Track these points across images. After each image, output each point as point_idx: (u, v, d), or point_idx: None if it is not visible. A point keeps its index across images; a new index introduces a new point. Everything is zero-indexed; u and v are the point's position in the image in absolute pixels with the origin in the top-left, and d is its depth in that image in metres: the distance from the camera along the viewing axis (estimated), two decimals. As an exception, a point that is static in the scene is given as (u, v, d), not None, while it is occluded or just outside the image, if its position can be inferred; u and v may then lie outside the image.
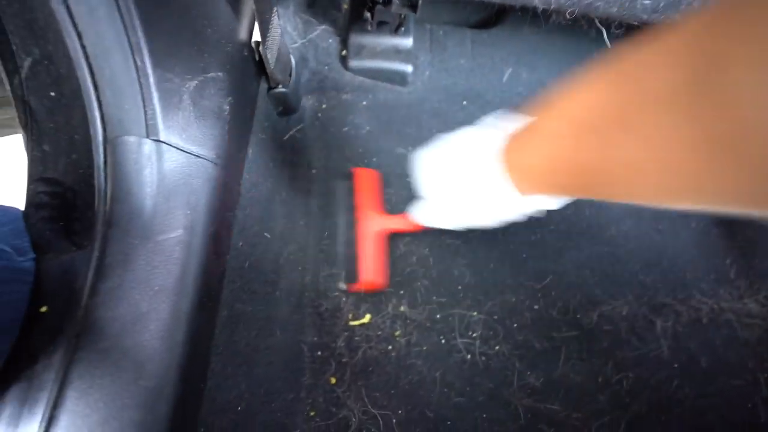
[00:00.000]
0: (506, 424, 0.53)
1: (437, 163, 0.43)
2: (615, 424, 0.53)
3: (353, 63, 0.65)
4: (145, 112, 0.35)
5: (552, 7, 0.38)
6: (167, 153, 0.35)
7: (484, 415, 0.53)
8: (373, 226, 0.56)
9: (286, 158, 0.58)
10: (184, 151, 0.36)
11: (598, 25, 0.43)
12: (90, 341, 0.33)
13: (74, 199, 0.42)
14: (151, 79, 0.34)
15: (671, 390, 0.55)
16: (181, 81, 0.36)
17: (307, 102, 0.66)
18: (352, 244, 0.57)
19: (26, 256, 0.36)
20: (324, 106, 0.67)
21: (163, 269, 0.35)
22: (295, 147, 0.62)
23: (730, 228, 0.65)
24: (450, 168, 0.41)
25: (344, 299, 0.57)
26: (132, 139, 0.35)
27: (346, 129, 0.65)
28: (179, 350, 0.35)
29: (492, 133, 0.37)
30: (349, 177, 0.60)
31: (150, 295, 0.34)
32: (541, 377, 0.55)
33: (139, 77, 0.34)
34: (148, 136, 0.34)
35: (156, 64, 0.34)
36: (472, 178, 0.38)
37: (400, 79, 0.67)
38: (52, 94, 0.37)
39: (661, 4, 0.35)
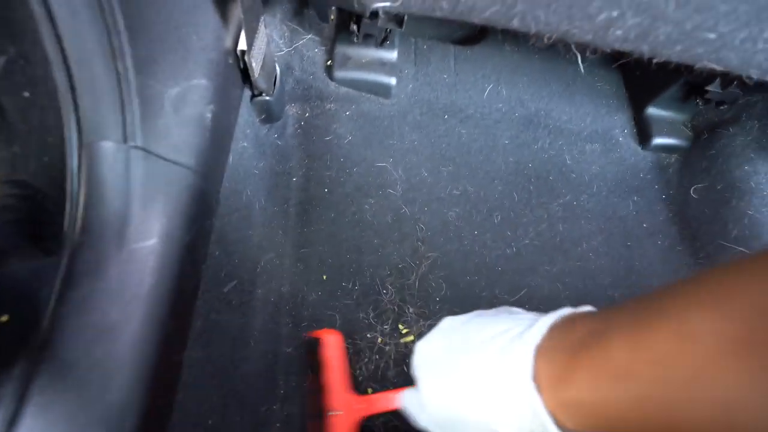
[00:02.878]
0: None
1: (442, 358, 0.32)
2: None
3: (338, 73, 0.66)
4: (124, 117, 0.34)
5: (531, 31, 0.40)
6: (145, 160, 0.35)
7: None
8: (348, 413, 0.45)
9: (266, 166, 0.58)
10: (162, 158, 0.36)
11: (574, 50, 0.45)
12: (54, 353, 0.32)
13: (44, 203, 0.41)
14: (132, 85, 0.34)
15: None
16: (163, 87, 0.36)
17: (291, 110, 0.66)
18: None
19: None
20: (307, 114, 0.67)
21: (137, 278, 0.34)
22: (276, 155, 0.62)
23: (693, 245, 0.68)
24: (459, 370, 0.30)
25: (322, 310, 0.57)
26: (108, 144, 0.34)
27: (328, 138, 0.66)
28: (150, 362, 0.34)
29: (524, 342, 0.27)
30: (311, 346, 0.50)
31: (121, 305, 0.34)
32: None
33: (119, 82, 0.33)
34: (125, 142, 0.34)
35: (138, 70, 0.34)
36: (489, 396, 0.28)
37: (383, 91, 0.68)
38: (26, 94, 0.36)
39: (632, 35, 0.37)
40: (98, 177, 0.34)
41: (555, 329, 0.26)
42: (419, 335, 0.57)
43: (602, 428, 0.23)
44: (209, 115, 0.40)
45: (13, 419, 0.28)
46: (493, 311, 0.35)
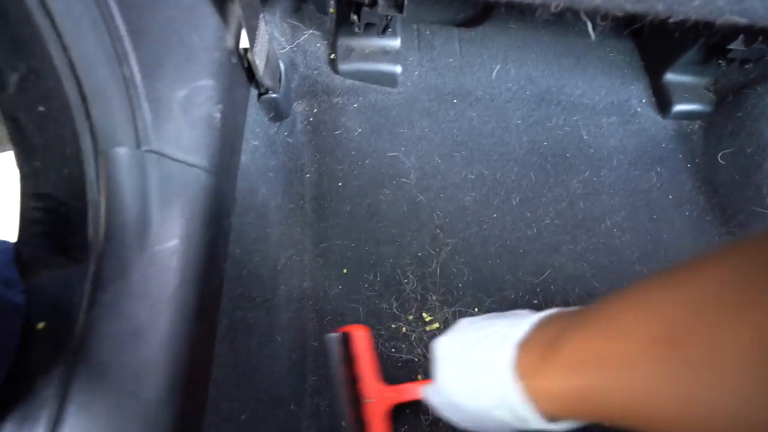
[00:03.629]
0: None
1: (453, 354, 0.36)
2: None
3: (343, 66, 0.65)
4: (135, 123, 0.34)
5: (537, 1, 0.39)
6: (159, 163, 0.35)
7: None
8: (379, 401, 0.48)
9: (279, 164, 0.58)
10: (176, 160, 0.36)
11: (584, 17, 0.43)
12: (89, 356, 0.32)
13: (68, 214, 0.42)
14: (140, 90, 0.34)
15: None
16: (171, 90, 0.36)
17: (299, 107, 0.66)
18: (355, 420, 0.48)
19: (15, 288, 0.36)
20: (315, 110, 0.67)
21: (160, 280, 0.35)
22: (287, 152, 0.62)
23: (724, 213, 0.66)
24: (464, 365, 0.34)
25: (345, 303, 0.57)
26: (123, 150, 0.34)
27: (338, 132, 0.66)
28: (180, 361, 0.34)
29: (510, 337, 0.31)
30: (341, 341, 0.51)
31: (148, 307, 0.34)
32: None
33: (127, 88, 0.33)
34: (139, 147, 0.34)
35: (144, 75, 0.34)
36: (484, 386, 0.32)
37: (389, 80, 0.67)
38: (41, 109, 0.37)
39: (644, -6, 0.35)
40: (116, 183, 0.35)
41: (536, 327, 0.30)
42: (444, 322, 0.56)
43: (569, 413, 0.27)
44: (218, 115, 0.40)
45: (58, 419, 0.29)
46: (505, 313, 0.38)
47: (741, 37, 0.57)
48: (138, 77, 0.33)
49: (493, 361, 0.31)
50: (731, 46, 0.59)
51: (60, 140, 0.38)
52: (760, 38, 0.56)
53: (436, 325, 0.56)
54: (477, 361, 0.33)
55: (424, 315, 0.57)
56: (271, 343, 0.50)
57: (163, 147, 0.35)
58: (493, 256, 0.60)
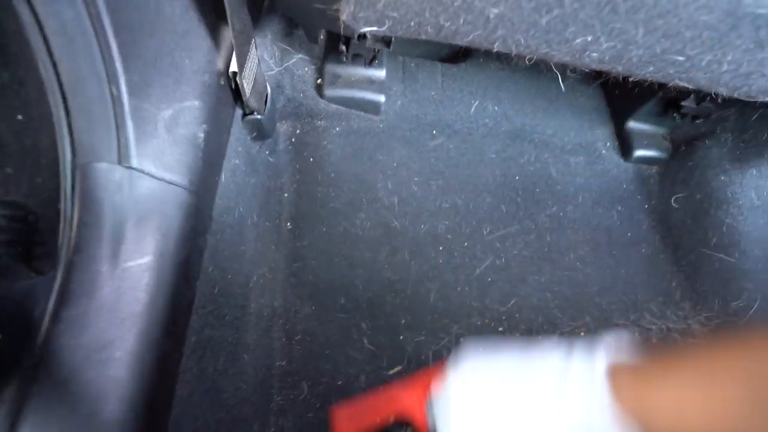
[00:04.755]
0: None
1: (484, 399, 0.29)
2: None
3: (328, 92, 0.67)
4: (119, 139, 0.35)
5: (513, 53, 0.42)
6: (139, 180, 0.36)
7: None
8: None
9: (258, 182, 0.59)
10: (157, 178, 0.36)
11: (555, 69, 0.47)
12: (49, 372, 0.32)
13: (36, 223, 0.41)
14: (126, 108, 0.35)
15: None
16: (157, 109, 0.37)
17: (282, 127, 0.68)
18: None
19: None
20: (298, 131, 0.68)
21: (131, 296, 0.35)
22: (268, 171, 0.62)
23: (676, 253, 0.71)
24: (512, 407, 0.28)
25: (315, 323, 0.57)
26: (103, 165, 0.35)
27: (319, 154, 0.67)
28: (145, 380, 0.34)
29: (589, 362, 0.27)
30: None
31: (116, 323, 0.34)
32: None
33: (113, 105, 0.34)
34: (120, 163, 0.35)
35: (132, 93, 0.35)
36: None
37: (373, 108, 0.70)
38: (20, 117, 0.37)
39: (607, 57, 0.39)
40: (93, 197, 0.35)
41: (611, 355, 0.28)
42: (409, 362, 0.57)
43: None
44: (202, 135, 0.41)
45: (7, 440, 0.28)
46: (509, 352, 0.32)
47: (692, 96, 0.63)
48: (125, 96, 0.34)
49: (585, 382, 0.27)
50: (684, 103, 0.65)
51: (36, 150, 0.37)
52: (708, 98, 0.61)
53: (399, 368, 0.57)
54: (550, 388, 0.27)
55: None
56: (238, 362, 0.49)
57: (144, 164, 0.36)
58: (462, 283, 0.62)
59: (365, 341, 0.57)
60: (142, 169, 0.36)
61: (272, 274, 0.59)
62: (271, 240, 0.60)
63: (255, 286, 0.55)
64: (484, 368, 0.30)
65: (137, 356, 0.34)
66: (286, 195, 0.64)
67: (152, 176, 0.36)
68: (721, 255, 0.66)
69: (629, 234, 0.72)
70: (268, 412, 0.54)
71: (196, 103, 0.41)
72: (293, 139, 0.68)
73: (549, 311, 0.63)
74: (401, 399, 0.34)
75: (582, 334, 0.62)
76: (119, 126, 0.34)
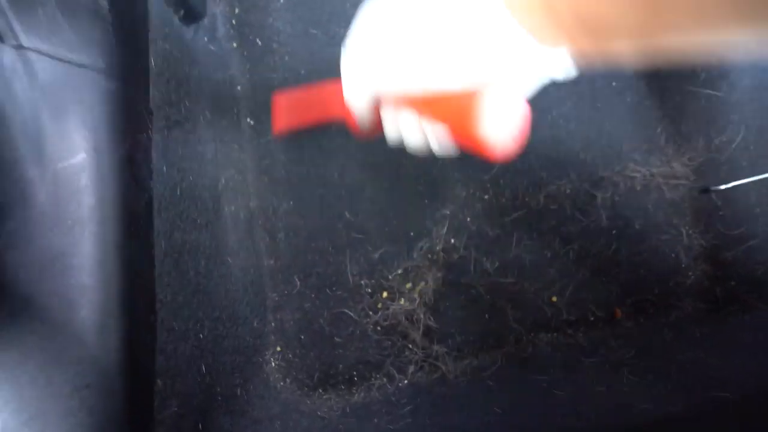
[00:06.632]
0: (468, 308, 0.56)
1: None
2: (564, 290, 0.58)
3: (261, -48, 0.56)
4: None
5: None
6: (37, 62, 0.29)
7: (447, 304, 0.56)
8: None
9: (202, 74, 0.52)
10: (58, 59, 0.30)
11: None
12: (4, 294, 0.29)
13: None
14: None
15: (609, 254, 0.60)
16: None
17: (217, 8, 0.58)
18: None
19: None
20: (237, 11, 0.59)
21: (72, 200, 0.31)
22: (212, 62, 0.55)
23: (661, 97, 0.67)
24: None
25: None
26: (-13, 48, 0.28)
27: (267, 35, 0.58)
28: (114, 285, 0.32)
29: None
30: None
31: (64, 230, 0.31)
32: (497, 261, 0.58)
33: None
34: (3, 42, 0.28)
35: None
36: (450, 21, 0.25)
37: (318, -32, 0.59)
38: None
39: None
40: (-12, 90, 0.29)
41: None
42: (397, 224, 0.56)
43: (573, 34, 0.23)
44: (105, 3, 0.33)
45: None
46: None
47: None
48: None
49: None
50: None
51: None
52: None
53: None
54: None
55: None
56: (223, 265, 0.48)
57: (35, 42, 0.29)
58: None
59: (349, 229, 0.56)
60: (36, 48, 0.29)
61: (241, 176, 0.55)
62: (233, 139, 0.55)
63: (225, 189, 0.52)
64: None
65: (98, 262, 0.31)
66: (239, 88, 0.58)
67: (53, 57, 0.30)
68: (708, 90, 0.63)
69: (614, 83, 0.67)
70: (266, 310, 0.54)
71: (86, -41, 0.32)
72: (234, 21, 0.58)
73: (533, 173, 0.61)
74: (339, 96, 0.35)
75: (567, 191, 0.62)
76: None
